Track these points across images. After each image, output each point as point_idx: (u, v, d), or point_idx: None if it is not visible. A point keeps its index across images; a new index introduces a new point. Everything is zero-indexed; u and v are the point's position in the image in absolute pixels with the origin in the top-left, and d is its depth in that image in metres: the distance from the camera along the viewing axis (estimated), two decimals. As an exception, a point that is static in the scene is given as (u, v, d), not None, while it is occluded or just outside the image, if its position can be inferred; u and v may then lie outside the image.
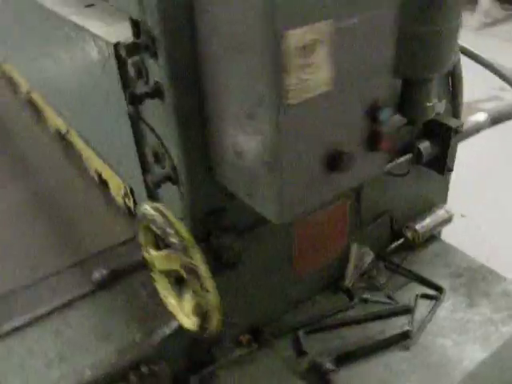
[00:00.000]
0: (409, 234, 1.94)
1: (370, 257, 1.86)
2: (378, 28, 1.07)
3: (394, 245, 1.92)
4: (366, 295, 1.78)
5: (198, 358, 1.56)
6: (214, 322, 1.23)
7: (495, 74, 2.10)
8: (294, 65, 0.95)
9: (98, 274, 1.37)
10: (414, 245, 1.96)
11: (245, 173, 1.16)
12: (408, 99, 1.39)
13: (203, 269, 1.18)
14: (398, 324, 1.68)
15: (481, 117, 1.91)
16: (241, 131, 1.11)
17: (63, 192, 2.26)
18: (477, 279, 1.84)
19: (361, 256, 1.84)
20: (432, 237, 2.02)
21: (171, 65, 1.13)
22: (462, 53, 1.90)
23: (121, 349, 1.46)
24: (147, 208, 1.27)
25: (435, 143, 1.76)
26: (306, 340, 1.65)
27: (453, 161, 1.81)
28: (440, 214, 2.01)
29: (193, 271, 1.18)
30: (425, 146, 1.74)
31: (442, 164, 1.80)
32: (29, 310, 1.58)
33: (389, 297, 1.78)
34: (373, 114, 1.15)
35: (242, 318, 1.63)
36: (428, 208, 2.02)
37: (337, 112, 1.09)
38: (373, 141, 1.19)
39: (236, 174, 1.20)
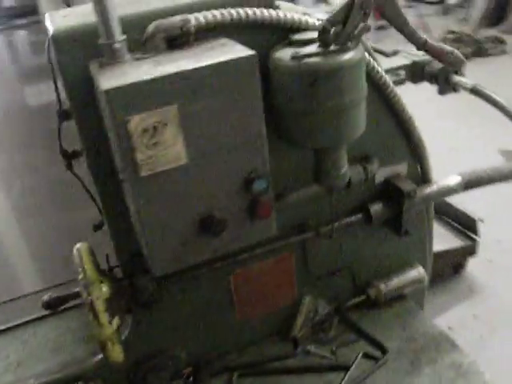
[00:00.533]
0: (371, 292, 1.94)
1: (325, 309, 1.91)
2: (239, 109, 1.19)
3: (353, 301, 1.94)
4: (310, 347, 1.83)
5: (135, 382, 1.74)
6: (112, 352, 1.41)
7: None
8: (141, 144, 1.12)
9: (46, 297, 1.62)
10: (378, 302, 1.96)
11: (134, 228, 1.34)
12: (319, 168, 1.46)
13: (99, 304, 1.37)
14: (331, 380, 1.71)
15: (453, 180, 1.87)
16: (125, 192, 1.29)
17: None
18: (429, 346, 1.80)
19: (314, 308, 1.90)
20: (400, 296, 2.00)
21: (83, 131, 1.35)
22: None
23: (64, 363, 1.69)
24: (75, 248, 1.49)
25: (389, 205, 1.78)
26: (238, 383, 1.75)
27: (409, 224, 1.81)
28: (410, 275, 1.99)
29: (90, 306, 1.37)
30: (376, 207, 1.77)
31: (398, 226, 1.81)
32: (11, 319, 1.89)
33: (332, 352, 1.81)
34: (247, 184, 1.27)
35: (184, 352, 1.78)
36: (401, 267, 2.01)
37: (202, 182, 1.22)
38: (251, 209, 1.30)
39: (135, 228, 1.38)
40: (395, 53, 3.02)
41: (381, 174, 1.78)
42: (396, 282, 1.97)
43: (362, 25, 1.31)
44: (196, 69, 1.11)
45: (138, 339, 1.67)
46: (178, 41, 1.26)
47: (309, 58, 1.28)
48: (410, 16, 7.40)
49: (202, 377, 1.79)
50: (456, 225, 3.66)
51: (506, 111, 2.30)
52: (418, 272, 2.00)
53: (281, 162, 1.53)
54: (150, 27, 1.24)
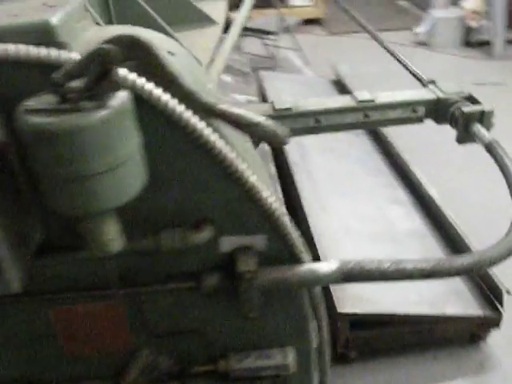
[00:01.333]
0: (221, 365, 1.70)
1: (166, 369, 1.73)
2: None
3: (197, 369, 1.72)
4: (132, 405, 1.69)
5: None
6: None
7: None
8: None
9: None
10: (228, 378, 1.71)
11: None
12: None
13: None
14: None
15: (325, 267, 1.52)
16: None
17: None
18: None
19: (154, 363, 1.73)
20: (261, 378, 1.72)
21: None
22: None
23: None
24: None
25: (230, 280, 1.52)
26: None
27: (253, 309, 1.53)
28: (272, 358, 1.69)
29: None
30: (210, 279, 1.52)
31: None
32: None
33: (149, 419, 1.65)
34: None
35: (9, 372, 1.75)
36: (270, 345, 1.72)
37: None
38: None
39: None
40: (431, 83, 2.59)
41: (227, 242, 1.51)
42: (252, 361, 1.69)
43: (105, 82, 1.08)
44: None
45: None
46: None
47: (35, 114, 1.09)
48: None
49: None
50: (486, 290, 3.13)
51: (510, 181, 1.86)
52: (283, 357, 1.69)
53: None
54: None
